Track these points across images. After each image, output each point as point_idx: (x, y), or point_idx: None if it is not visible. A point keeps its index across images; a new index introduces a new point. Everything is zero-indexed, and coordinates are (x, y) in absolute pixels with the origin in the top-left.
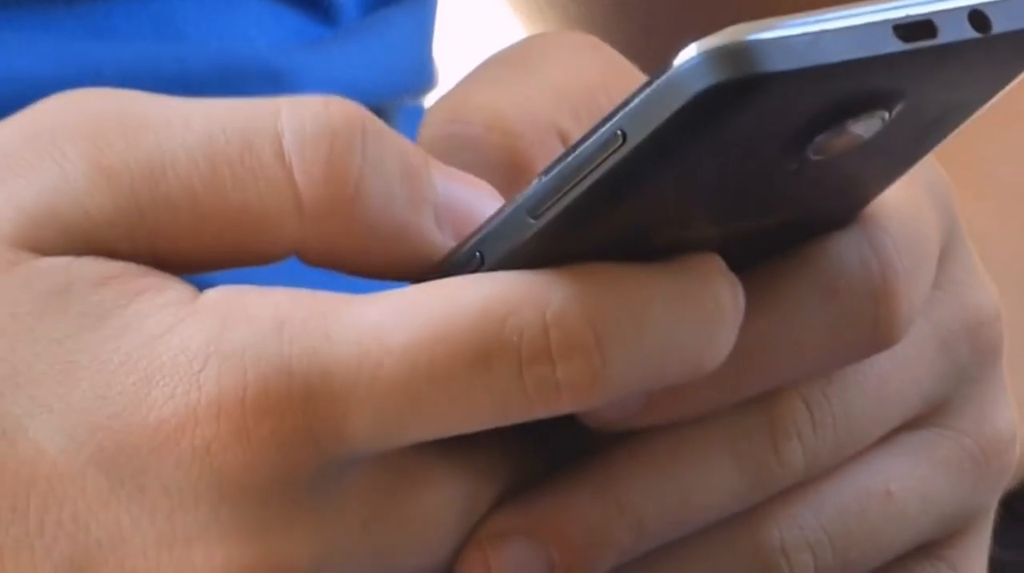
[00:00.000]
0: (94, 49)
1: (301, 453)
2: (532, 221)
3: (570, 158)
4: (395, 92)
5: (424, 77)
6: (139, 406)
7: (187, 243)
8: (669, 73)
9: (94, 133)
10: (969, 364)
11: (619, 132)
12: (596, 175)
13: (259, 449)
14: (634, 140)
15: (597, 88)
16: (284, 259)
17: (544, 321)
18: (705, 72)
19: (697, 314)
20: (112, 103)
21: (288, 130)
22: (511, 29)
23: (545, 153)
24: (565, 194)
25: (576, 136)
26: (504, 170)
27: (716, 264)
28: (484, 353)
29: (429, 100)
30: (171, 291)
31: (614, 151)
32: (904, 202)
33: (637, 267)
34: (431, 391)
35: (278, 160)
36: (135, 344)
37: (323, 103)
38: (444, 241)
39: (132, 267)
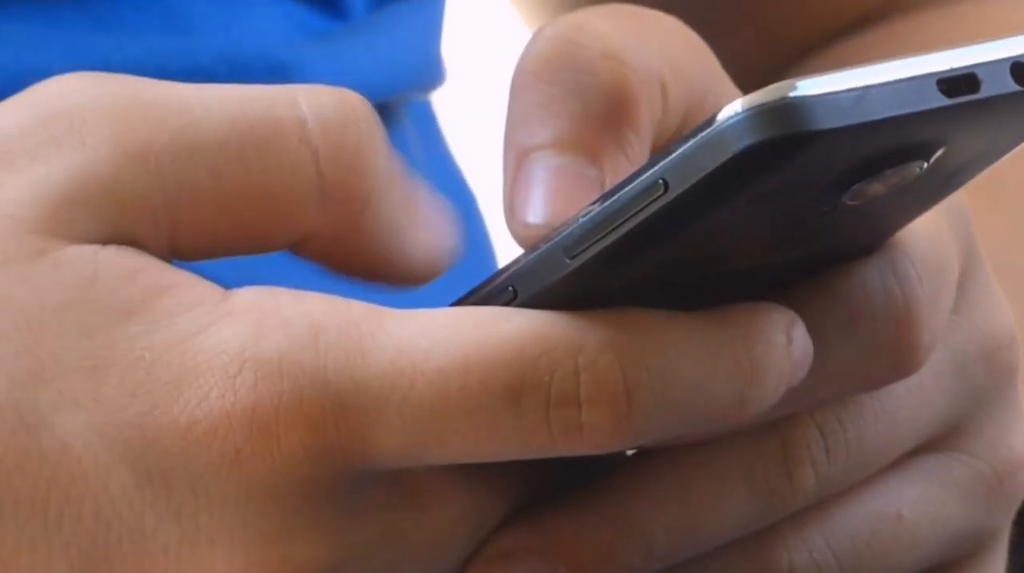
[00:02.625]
0: (101, 43)
1: (328, 464)
2: (568, 261)
3: (610, 201)
4: (402, 87)
5: (431, 73)
6: (171, 406)
7: (208, 227)
8: (713, 127)
9: (113, 117)
10: (985, 387)
11: (661, 181)
12: (635, 221)
13: (288, 458)
14: (675, 190)
15: (694, 55)
16: (290, 248)
17: (576, 365)
18: (749, 129)
19: (730, 371)
20: (124, 87)
21: (312, 117)
22: (514, 28)
23: (649, 97)
24: (603, 237)
25: (673, 89)
26: (611, 100)
27: (764, 320)
28: (515, 389)
29: (436, 97)
30: (199, 288)
31: (655, 199)
32: (926, 228)
33: (673, 317)
34: (459, 418)
35: (304, 144)
36: (168, 342)
37: (339, 93)
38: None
39: (154, 262)
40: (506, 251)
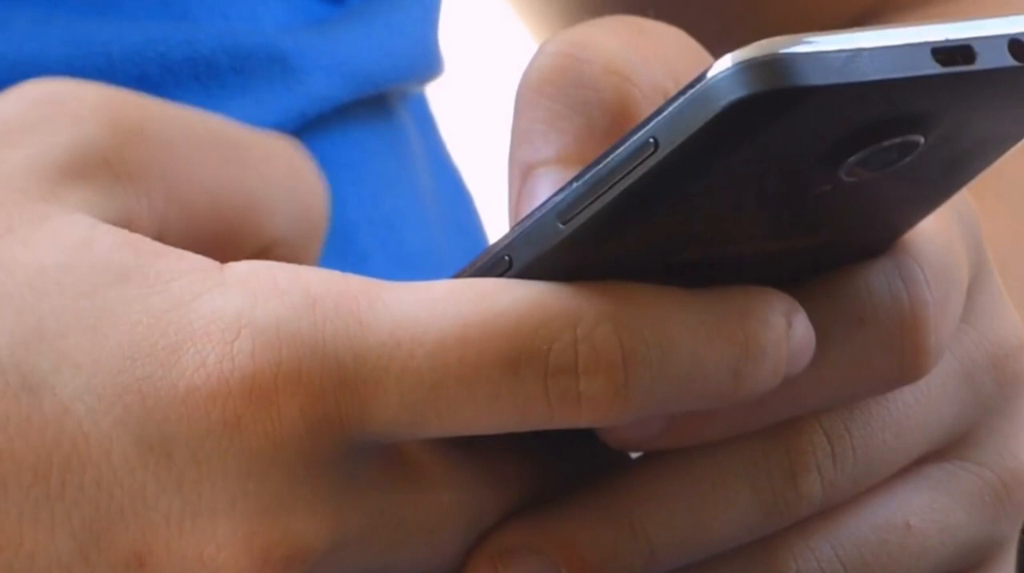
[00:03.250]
0: (102, 30)
1: (327, 434)
2: (561, 226)
3: (602, 164)
4: (400, 77)
5: (429, 63)
6: (169, 371)
7: (194, 214)
8: (703, 83)
9: (109, 102)
10: (992, 396)
11: (652, 140)
12: (627, 182)
13: (288, 426)
14: (666, 148)
15: (698, 66)
16: (251, 257)
17: (575, 335)
18: (739, 83)
19: (725, 348)
20: (114, 88)
21: (299, 148)
22: (510, 23)
23: (652, 110)
24: (595, 200)
25: None
26: (615, 113)
27: (762, 301)
28: (513, 358)
29: (432, 88)
30: (193, 258)
31: (646, 158)
32: (935, 232)
33: (672, 290)
34: (457, 388)
35: (290, 167)
36: (164, 307)
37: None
38: None
39: (148, 239)
40: None
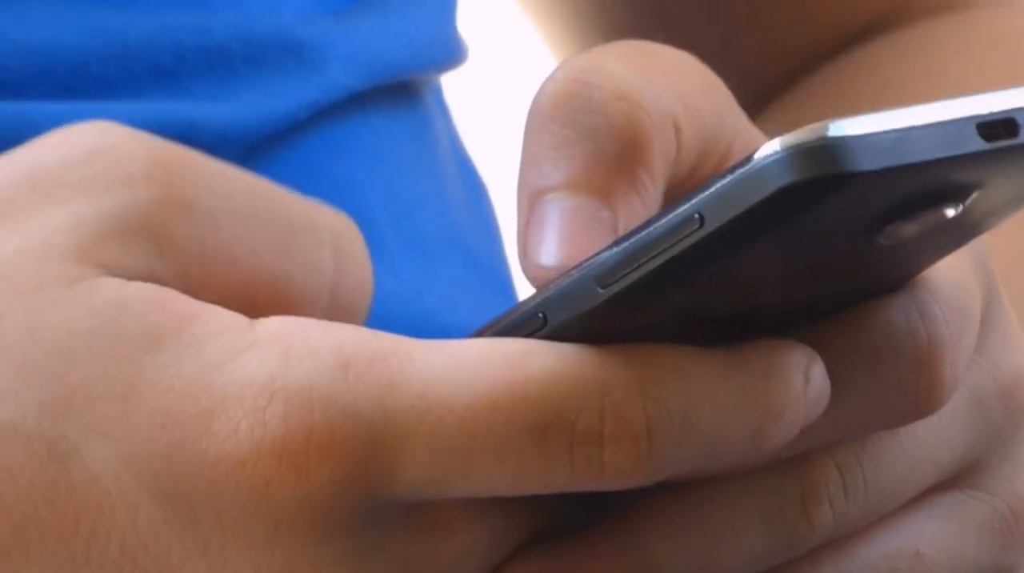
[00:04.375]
0: (116, 18)
1: (354, 496)
2: (600, 290)
3: (644, 233)
4: (419, 65)
5: (450, 51)
6: (200, 438)
7: (227, 300)
8: (751, 165)
9: (162, 166)
10: (1003, 425)
11: (697, 215)
12: (669, 254)
13: (317, 489)
14: (711, 225)
15: (709, 93)
16: None
17: (602, 406)
18: (788, 168)
19: (748, 410)
20: (169, 144)
21: (337, 229)
22: (519, 21)
23: (663, 137)
24: (636, 268)
25: (687, 129)
26: (624, 140)
27: (783, 359)
28: (541, 427)
29: (455, 75)
30: (225, 317)
31: (690, 233)
32: (951, 269)
33: (697, 355)
34: (484, 453)
35: (328, 250)
36: (196, 371)
37: (346, 217)
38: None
39: (180, 294)
40: (513, 243)
